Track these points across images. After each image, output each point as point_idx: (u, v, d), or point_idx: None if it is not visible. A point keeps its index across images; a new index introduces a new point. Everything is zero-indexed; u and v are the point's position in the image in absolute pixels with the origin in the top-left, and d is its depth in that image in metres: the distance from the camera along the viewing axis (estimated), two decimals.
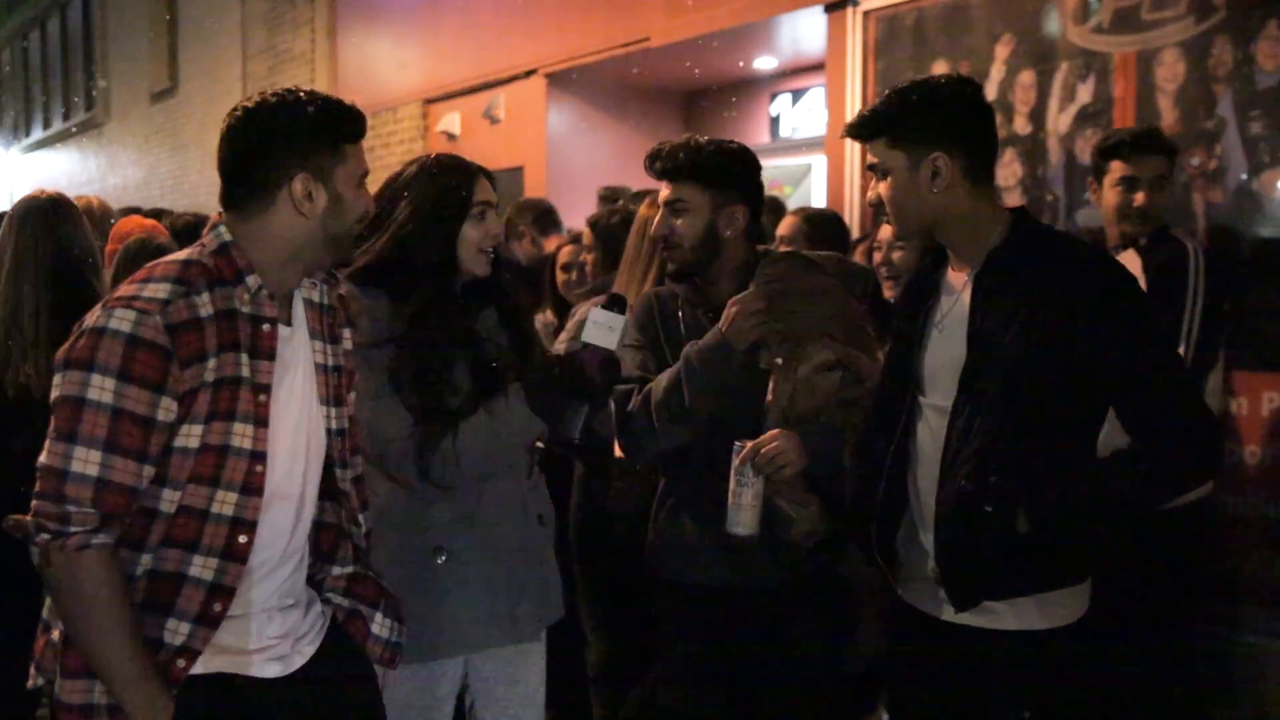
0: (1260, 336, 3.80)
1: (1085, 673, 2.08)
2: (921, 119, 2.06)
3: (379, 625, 2.06)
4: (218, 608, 1.77)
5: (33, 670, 1.82)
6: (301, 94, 1.83)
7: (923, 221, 2.11)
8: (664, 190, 2.51)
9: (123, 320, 1.66)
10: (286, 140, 1.80)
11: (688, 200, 2.46)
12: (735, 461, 2.29)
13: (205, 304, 1.74)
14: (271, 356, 1.81)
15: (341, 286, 2.13)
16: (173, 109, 13.65)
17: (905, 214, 2.10)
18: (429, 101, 8.83)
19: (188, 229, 4.14)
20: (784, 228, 3.94)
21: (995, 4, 4.90)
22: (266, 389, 1.80)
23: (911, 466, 2.14)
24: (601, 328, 2.23)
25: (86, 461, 1.65)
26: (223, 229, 1.83)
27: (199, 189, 12.61)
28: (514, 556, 2.37)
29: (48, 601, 1.79)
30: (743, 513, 2.29)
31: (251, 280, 1.80)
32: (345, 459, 1.99)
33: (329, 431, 1.95)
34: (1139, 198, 3.27)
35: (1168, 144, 3.43)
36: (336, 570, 2.04)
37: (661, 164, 2.49)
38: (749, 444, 2.28)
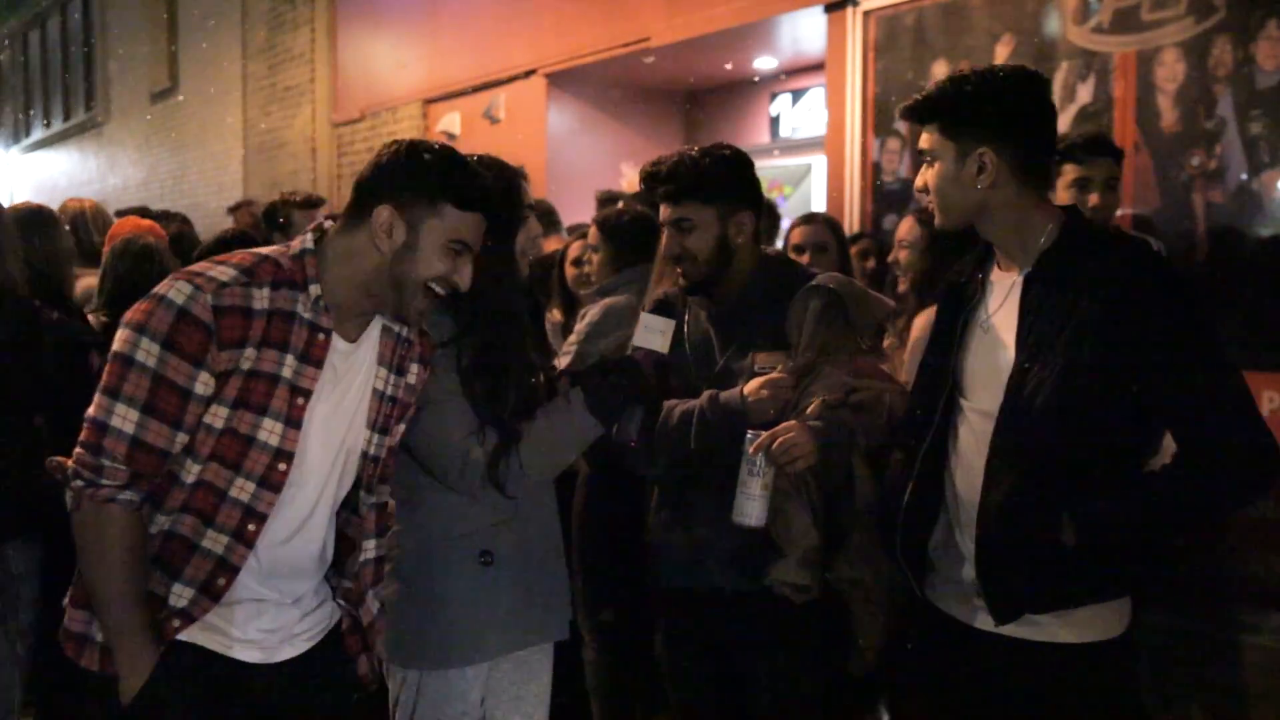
0: (1260, 336, 3.80)
1: (1117, 691, 2.02)
2: (974, 110, 2.00)
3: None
4: (221, 582, 1.85)
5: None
6: (435, 145, 1.92)
7: (965, 215, 2.06)
8: (665, 211, 2.49)
9: (179, 293, 1.76)
10: (391, 171, 1.88)
11: (694, 218, 2.45)
12: (748, 450, 2.26)
13: (262, 298, 1.81)
14: (319, 365, 1.87)
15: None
16: (173, 109, 13.65)
17: (948, 205, 2.06)
18: (429, 101, 8.82)
19: (173, 240, 4.16)
20: (804, 235, 3.85)
21: (995, 4, 4.89)
22: (307, 394, 1.86)
23: (949, 470, 2.08)
24: (652, 331, 2.27)
25: (125, 419, 1.75)
26: (310, 236, 1.92)
27: (199, 189, 12.62)
28: (546, 557, 2.38)
29: None
30: (751, 502, 2.26)
31: (313, 289, 1.85)
32: (371, 485, 2.04)
33: (364, 455, 2.00)
34: (1093, 199, 3.26)
35: (1116, 146, 3.43)
36: (347, 584, 2.08)
37: (663, 187, 2.46)
38: (764, 433, 2.26)
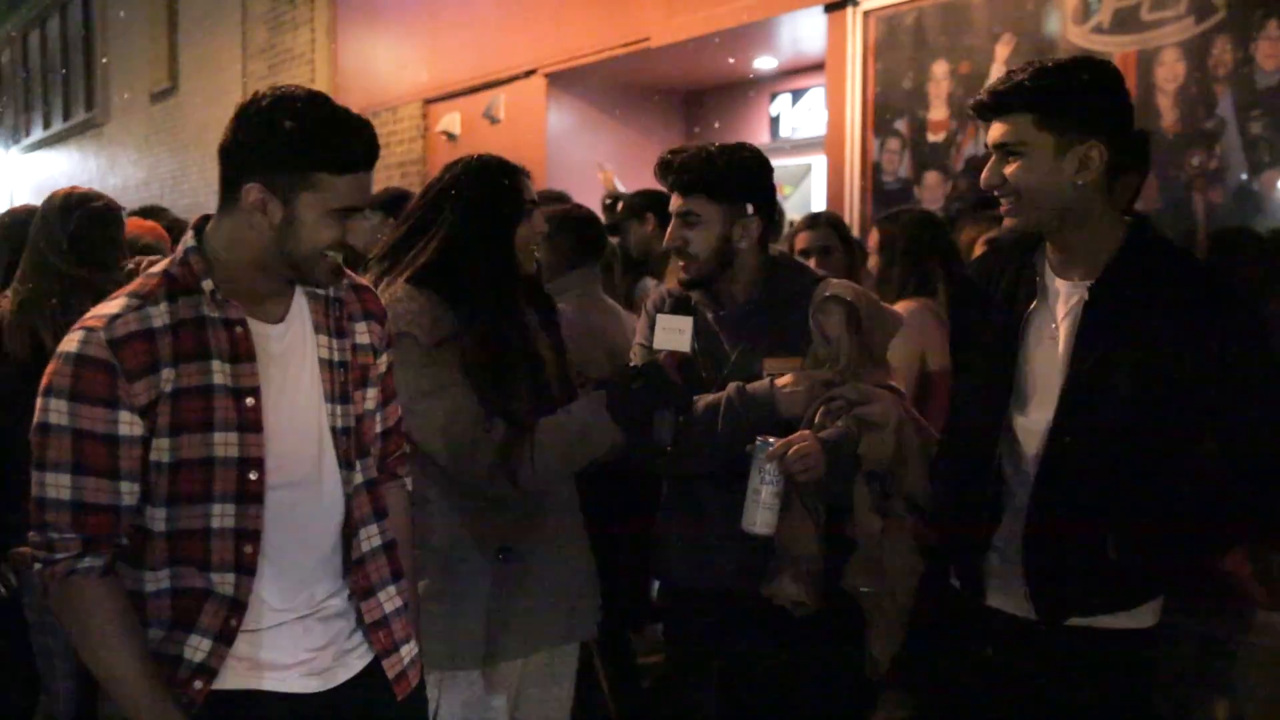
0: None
1: (1142, 675, 2.06)
2: (1085, 102, 1.89)
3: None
4: (234, 623, 1.74)
5: None
6: (297, 103, 1.69)
7: (1052, 214, 1.94)
8: (675, 200, 2.48)
9: (72, 342, 1.66)
10: (251, 146, 1.70)
11: (700, 213, 2.43)
12: (760, 457, 2.24)
13: (161, 314, 1.69)
14: (252, 358, 1.74)
15: (397, 289, 2.12)
16: (173, 109, 13.65)
17: (1038, 201, 1.92)
18: (429, 101, 8.83)
19: (175, 226, 4.16)
20: (809, 240, 3.80)
21: (995, 4, 4.90)
22: (254, 392, 1.73)
23: (1007, 477, 2.05)
24: (671, 331, 2.24)
25: (59, 486, 1.65)
26: (190, 234, 1.78)
27: (199, 189, 12.61)
28: (571, 554, 2.36)
29: None
30: (763, 511, 2.25)
31: (206, 284, 1.72)
32: (351, 461, 1.87)
33: (334, 430, 1.84)
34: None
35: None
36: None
37: (674, 177, 2.45)
38: (777, 441, 2.24)
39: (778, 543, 2.34)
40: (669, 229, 2.50)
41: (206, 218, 1.81)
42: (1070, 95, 1.89)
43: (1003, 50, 4.82)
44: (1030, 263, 2.05)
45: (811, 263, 3.63)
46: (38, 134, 18.86)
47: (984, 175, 2.00)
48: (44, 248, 2.87)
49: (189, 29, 13.12)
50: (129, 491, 1.68)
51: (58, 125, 17.91)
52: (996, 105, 1.94)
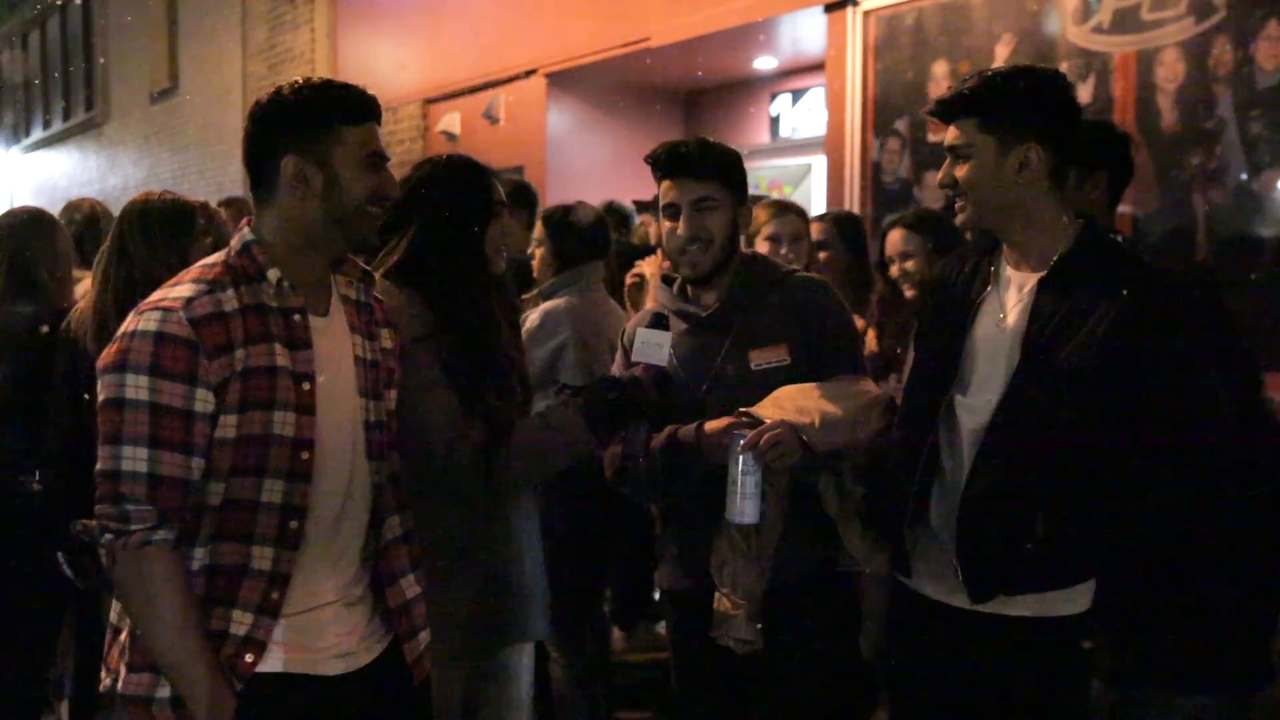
0: (1260, 336, 3.80)
1: (1076, 661, 2.12)
2: (1023, 107, 2.03)
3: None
4: (275, 596, 1.80)
5: (103, 673, 1.85)
6: (301, 80, 1.86)
7: (997, 211, 2.08)
8: (684, 189, 2.45)
9: (149, 320, 1.72)
10: (275, 125, 1.84)
11: (717, 198, 2.45)
12: (736, 449, 2.27)
13: (230, 299, 1.78)
14: (309, 345, 1.84)
15: (377, 285, 2.15)
16: (173, 109, 13.65)
17: (983, 200, 2.07)
18: (429, 101, 8.83)
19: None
20: (815, 232, 3.80)
21: (995, 4, 4.90)
22: (310, 377, 1.82)
23: (944, 459, 2.13)
24: (650, 345, 2.28)
25: (135, 459, 1.70)
26: (246, 229, 1.88)
27: (199, 189, 12.61)
28: (524, 557, 2.38)
29: (115, 606, 1.84)
30: (745, 500, 2.27)
31: (272, 274, 1.82)
32: (382, 452, 1.97)
33: (366, 424, 1.94)
34: None
35: None
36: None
37: (693, 165, 2.45)
38: (750, 432, 2.27)
39: (726, 587, 2.38)
40: (682, 219, 2.45)
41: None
42: (1009, 101, 2.03)
43: (1003, 50, 4.83)
44: (990, 259, 2.18)
45: (784, 251, 3.64)
46: (38, 134, 18.86)
47: (938, 176, 2.15)
48: (152, 252, 2.78)
49: (189, 29, 13.12)
50: (197, 467, 1.74)
51: (58, 125, 17.90)
52: (946, 112, 2.09)
